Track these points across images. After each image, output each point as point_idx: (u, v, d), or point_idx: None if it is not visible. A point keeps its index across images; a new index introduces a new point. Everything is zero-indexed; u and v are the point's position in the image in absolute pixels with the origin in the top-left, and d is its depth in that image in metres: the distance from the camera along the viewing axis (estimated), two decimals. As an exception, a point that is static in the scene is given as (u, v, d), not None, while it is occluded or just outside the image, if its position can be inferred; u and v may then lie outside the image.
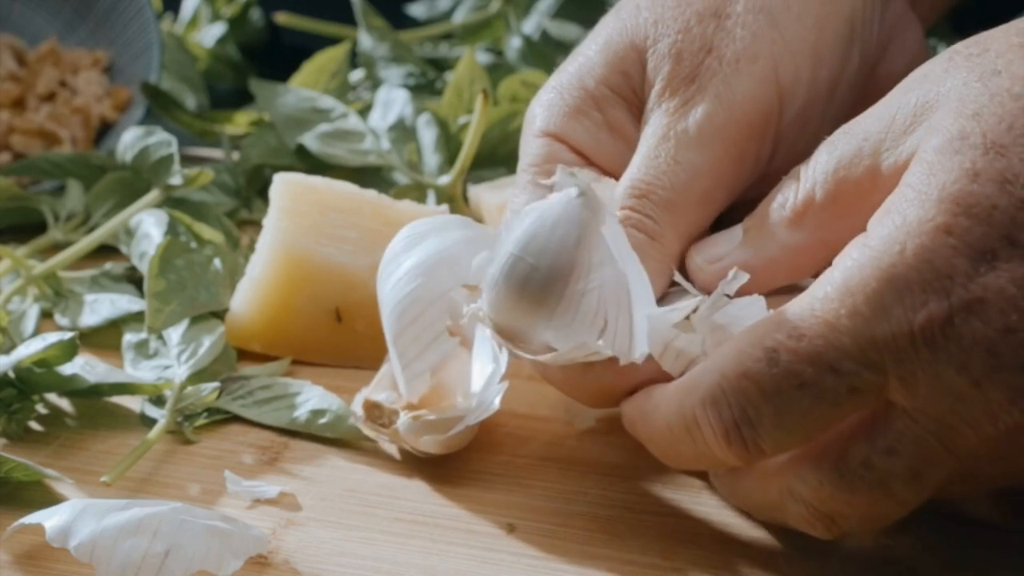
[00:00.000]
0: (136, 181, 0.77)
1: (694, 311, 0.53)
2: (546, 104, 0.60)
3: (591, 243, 0.53)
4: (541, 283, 0.53)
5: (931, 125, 0.49)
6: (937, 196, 0.47)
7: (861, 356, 0.47)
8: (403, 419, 0.58)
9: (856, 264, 0.48)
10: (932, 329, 0.46)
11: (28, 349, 0.62)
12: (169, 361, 0.66)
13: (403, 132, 0.82)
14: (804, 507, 0.50)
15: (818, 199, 0.52)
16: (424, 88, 0.90)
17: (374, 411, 0.60)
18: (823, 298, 0.48)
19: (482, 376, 0.58)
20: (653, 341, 0.53)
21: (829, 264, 0.54)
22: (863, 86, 0.62)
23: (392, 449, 0.62)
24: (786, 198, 0.53)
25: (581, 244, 0.53)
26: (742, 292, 0.54)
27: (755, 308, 0.53)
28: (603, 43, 0.60)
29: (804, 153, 0.59)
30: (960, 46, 0.51)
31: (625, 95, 0.59)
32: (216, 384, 0.63)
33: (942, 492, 0.49)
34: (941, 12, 0.72)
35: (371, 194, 0.68)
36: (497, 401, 0.57)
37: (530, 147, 0.60)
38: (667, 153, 0.57)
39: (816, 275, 0.54)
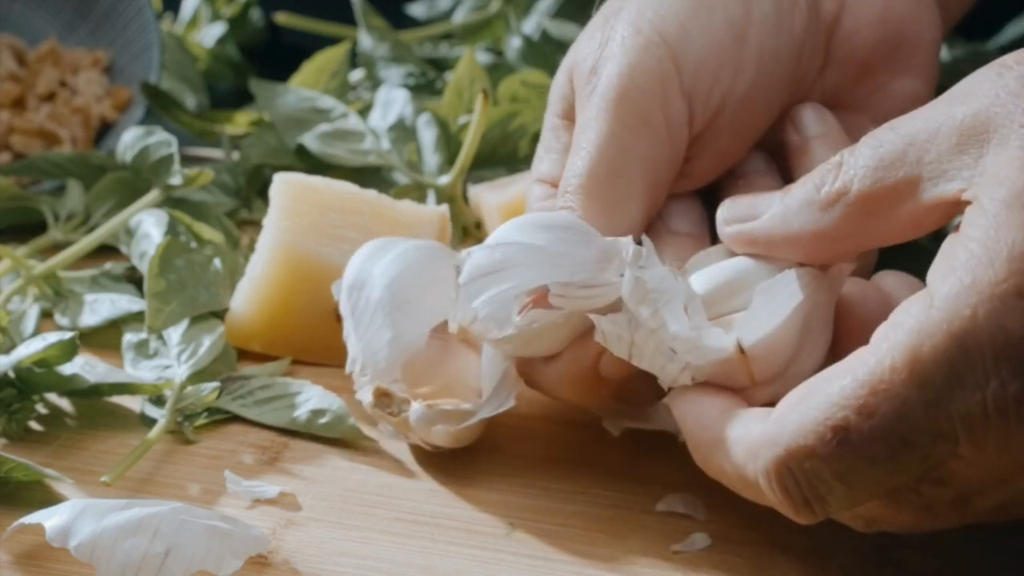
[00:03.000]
0: (136, 181, 0.77)
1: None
2: (535, 155, 0.64)
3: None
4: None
5: (991, 172, 0.47)
6: (1007, 255, 0.45)
7: (934, 428, 0.46)
8: (416, 407, 0.58)
9: (924, 327, 0.46)
10: (1007, 399, 0.45)
11: (28, 349, 0.62)
12: (169, 361, 0.66)
13: (403, 132, 0.82)
14: None
15: (853, 191, 0.51)
16: (424, 88, 0.90)
17: (384, 399, 0.59)
18: (891, 368, 0.46)
19: (494, 371, 0.59)
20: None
21: (849, 258, 0.54)
22: (828, 40, 0.62)
23: (392, 449, 0.62)
24: (823, 180, 0.52)
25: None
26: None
27: (676, 284, 0.53)
28: (554, 79, 0.64)
29: (731, 108, 0.60)
30: (1011, 60, 0.49)
31: (572, 117, 0.62)
32: (216, 384, 0.63)
33: (985, 517, 0.49)
34: None
35: (371, 194, 0.68)
36: (512, 399, 0.58)
37: (529, 193, 0.63)
38: (576, 144, 0.59)
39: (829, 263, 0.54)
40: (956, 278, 0.46)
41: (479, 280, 0.56)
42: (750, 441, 0.50)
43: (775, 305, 0.53)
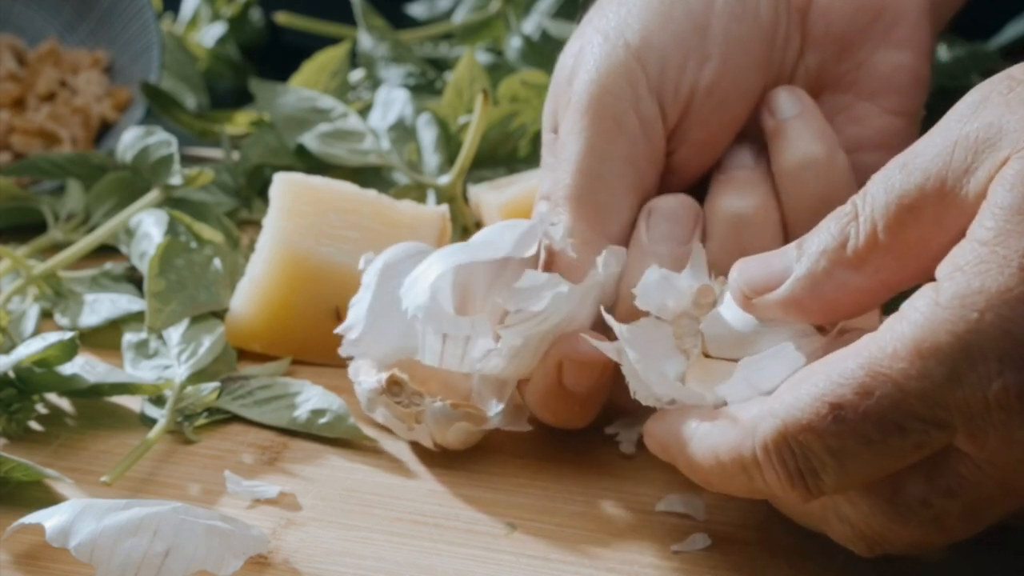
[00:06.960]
0: (136, 181, 0.77)
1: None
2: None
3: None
4: None
5: (1003, 177, 0.47)
6: (1019, 264, 0.45)
7: (931, 416, 0.46)
8: (437, 403, 0.58)
9: (928, 323, 0.46)
10: (1008, 396, 0.45)
11: (28, 349, 0.62)
12: (169, 361, 0.66)
13: (403, 132, 0.82)
14: (850, 528, 0.50)
15: (882, 241, 0.50)
16: (424, 88, 0.90)
17: (395, 387, 0.59)
18: (892, 355, 0.47)
19: (500, 391, 0.60)
20: None
21: (885, 300, 0.53)
22: (802, 20, 0.63)
23: (392, 448, 0.62)
24: (845, 235, 0.51)
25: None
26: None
27: (669, 358, 0.55)
28: (547, 95, 0.65)
29: (701, 97, 0.61)
30: (1019, 73, 0.49)
31: None
32: (216, 384, 0.63)
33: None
34: None
35: (371, 194, 0.68)
36: (525, 421, 0.60)
37: (534, 211, 0.63)
38: (559, 156, 0.60)
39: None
40: (964, 279, 0.46)
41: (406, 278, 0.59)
42: (748, 419, 0.50)
43: (769, 372, 0.53)
